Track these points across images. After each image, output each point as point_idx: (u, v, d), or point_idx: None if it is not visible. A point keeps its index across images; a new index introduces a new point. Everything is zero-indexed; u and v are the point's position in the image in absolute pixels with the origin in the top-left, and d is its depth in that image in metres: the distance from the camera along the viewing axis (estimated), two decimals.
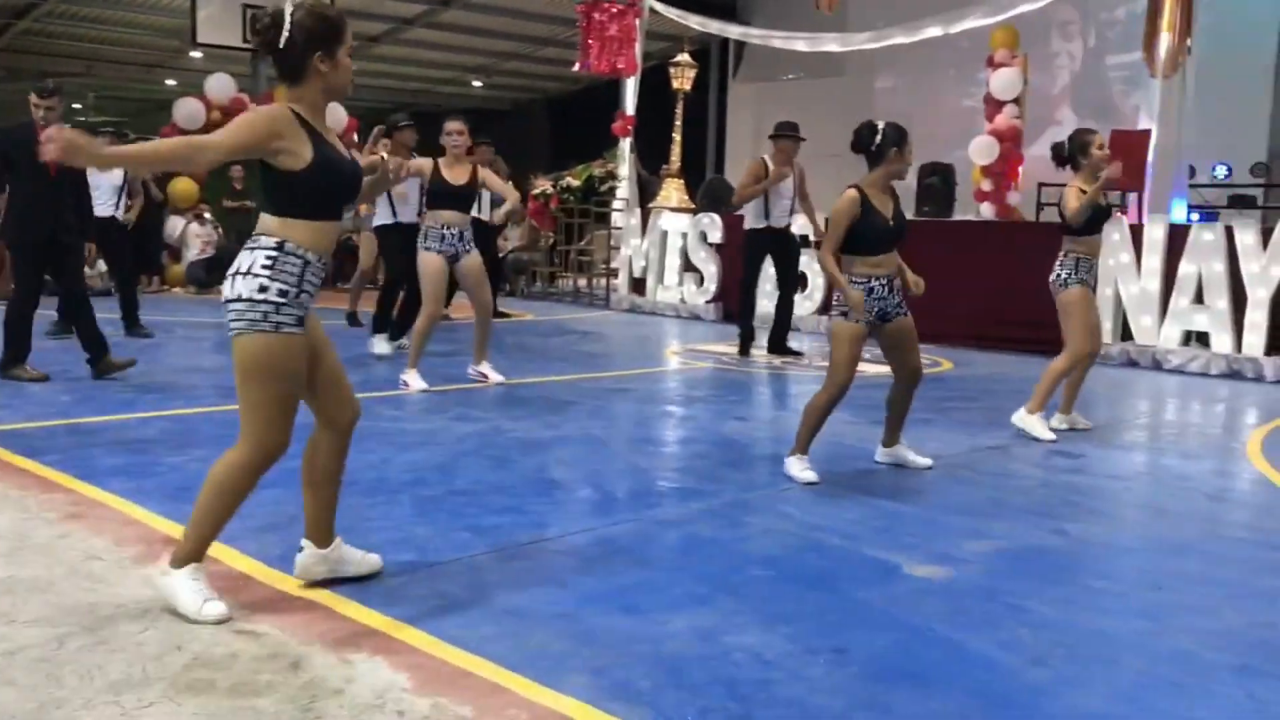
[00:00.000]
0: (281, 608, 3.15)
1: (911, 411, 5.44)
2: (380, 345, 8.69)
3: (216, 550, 3.51)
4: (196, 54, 18.31)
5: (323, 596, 3.24)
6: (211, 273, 13.57)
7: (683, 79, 14.44)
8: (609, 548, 3.88)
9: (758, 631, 3.12)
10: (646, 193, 14.70)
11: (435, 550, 3.74)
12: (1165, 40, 11.72)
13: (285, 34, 3.02)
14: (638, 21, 14.30)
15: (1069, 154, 6.20)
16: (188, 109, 14.70)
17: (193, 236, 14.41)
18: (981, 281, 10.02)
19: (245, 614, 3.07)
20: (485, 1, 18.26)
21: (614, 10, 13.88)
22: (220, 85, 14.99)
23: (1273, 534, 4.48)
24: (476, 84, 24.68)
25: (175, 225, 14.37)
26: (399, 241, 8.73)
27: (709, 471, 5.17)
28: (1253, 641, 3.21)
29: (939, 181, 12.71)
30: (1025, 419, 6.25)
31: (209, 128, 14.28)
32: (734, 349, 9.56)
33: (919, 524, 4.36)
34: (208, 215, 14.69)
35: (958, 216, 12.22)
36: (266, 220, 3.08)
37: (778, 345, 9.38)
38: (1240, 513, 4.83)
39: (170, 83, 22.70)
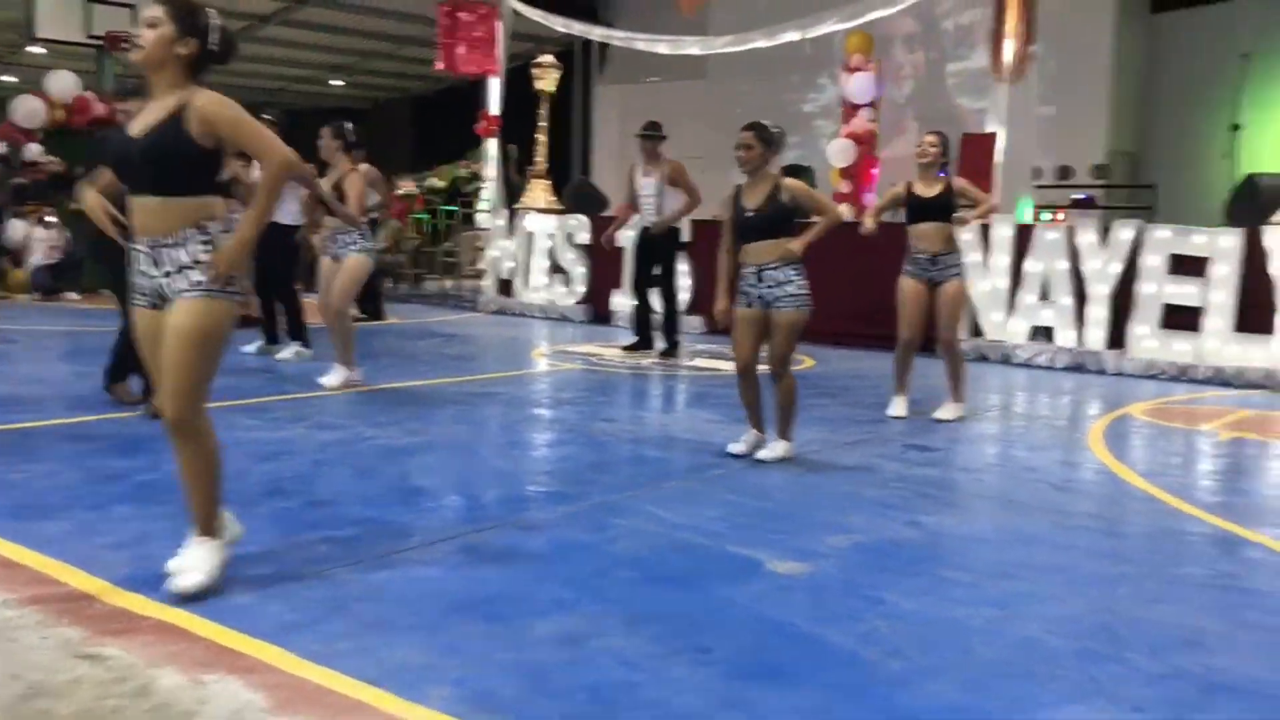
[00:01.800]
0: (129, 628, 3.03)
1: (776, 408, 5.58)
2: (286, 352, 8.48)
3: (58, 570, 3.37)
4: (37, 49, 17.48)
5: (173, 615, 3.12)
6: (60, 278, 12.96)
7: (546, 80, 14.42)
8: (473, 555, 3.85)
9: (622, 634, 3.13)
10: (518, 194, 14.64)
11: (292, 564, 3.64)
12: (1010, 45, 12.21)
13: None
14: (499, 22, 14.21)
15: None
16: (27, 107, 14.01)
17: (37, 240, 13.74)
18: (842, 280, 10.22)
19: (90, 636, 2.94)
20: None
21: (477, 11, 13.76)
22: (62, 82, 14.32)
23: (1113, 522, 4.70)
24: (336, 83, 24.19)
25: (16, 229, 13.68)
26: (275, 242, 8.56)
27: (576, 474, 5.17)
28: (1094, 626, 3.36)
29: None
30: (950, 410, 6.71)
31: (52, 128, 13.65)
32: (606, 350, 9.61)
33: (782, 520, 4.44)
34: (53, 218, 14.03)
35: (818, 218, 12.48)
36: None
37: (658, 344, 9.47)
38: (1083, 502, 5.05)
39: (8, 79, 21.62)
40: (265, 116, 8.59)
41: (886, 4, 13.28)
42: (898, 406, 6.84)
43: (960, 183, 6.73)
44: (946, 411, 6.72)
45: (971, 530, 4.47)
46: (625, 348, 9.54)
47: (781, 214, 5.33)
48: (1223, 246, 8.63)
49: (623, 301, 10.30)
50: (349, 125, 7.52)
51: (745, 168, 5.40)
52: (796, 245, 5.34)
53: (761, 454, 5.47)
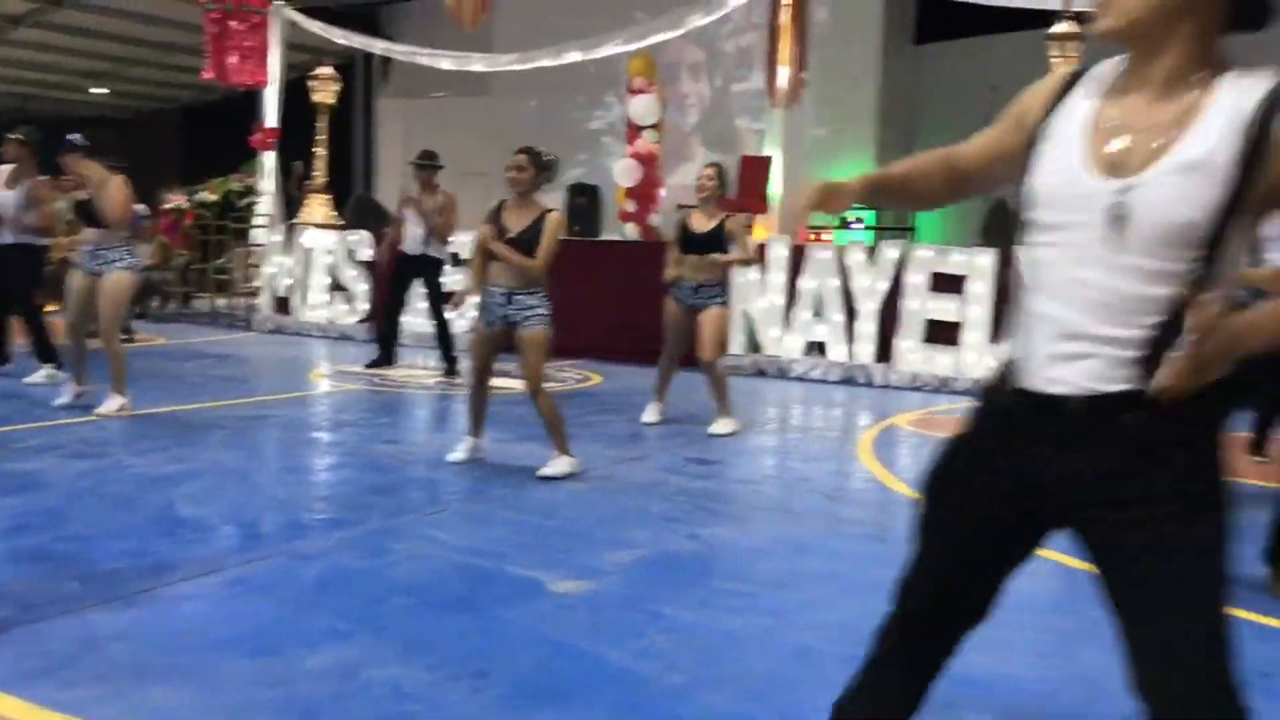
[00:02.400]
0: None
1: (544, 427, 5.63)
2: (37, 375, 7.89)
3: None
4: None
5: None
6: None
7: (324, 92, 14.04)
8: (242, 588, 3.67)
9: (398, 663, 3.04)
10: (295, 209, 14.17)
11: (38, 605, 3.38)
12: (784, 72, 12.70)
13: None
14: (273, 32, 13.75)
15: None
16: None
17: None
18: (628, 298, 10.37)
19: None
20: (103, 3, 16.89)
21: (248, 20, 13.26)
22: None
23: (881, 528, 4.91)
24: (99, 90, 22.81)
25: None
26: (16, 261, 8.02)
27: (354, 499, 5.02)
28: (864, 632, 3.47)
29: (586, 202, 13.12)
30: (723, 425, 6.83)
31: None
32: (389, 370, 9.42)
33: (564, 538, 4.43)
34: None
35: (605, 236, 12.63)
36: None
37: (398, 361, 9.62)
38: (854, 510, 5.26)
39: None
40: (14, 137, 8.00)
41: (668, 28, 13.63)
42: (651, 413, 7.16)
43: (734, 222, 6.85)
44: (720, 426, 6.88)
45: (749, 541, 4.58)
46: (367, 365, 9.50)
47: (536, 242, 5.38)
48: (979, 265, 9.19)
49: (406, 320, 10.11)
50: (72, 136, 6.97)
51: (516, 188, 5.46)
52: (536, 265, 5.38)
53: (542, 470, 5.46)
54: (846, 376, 9.61)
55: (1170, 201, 1.57)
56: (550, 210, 5.52)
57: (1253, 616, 3.74)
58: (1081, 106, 1.72)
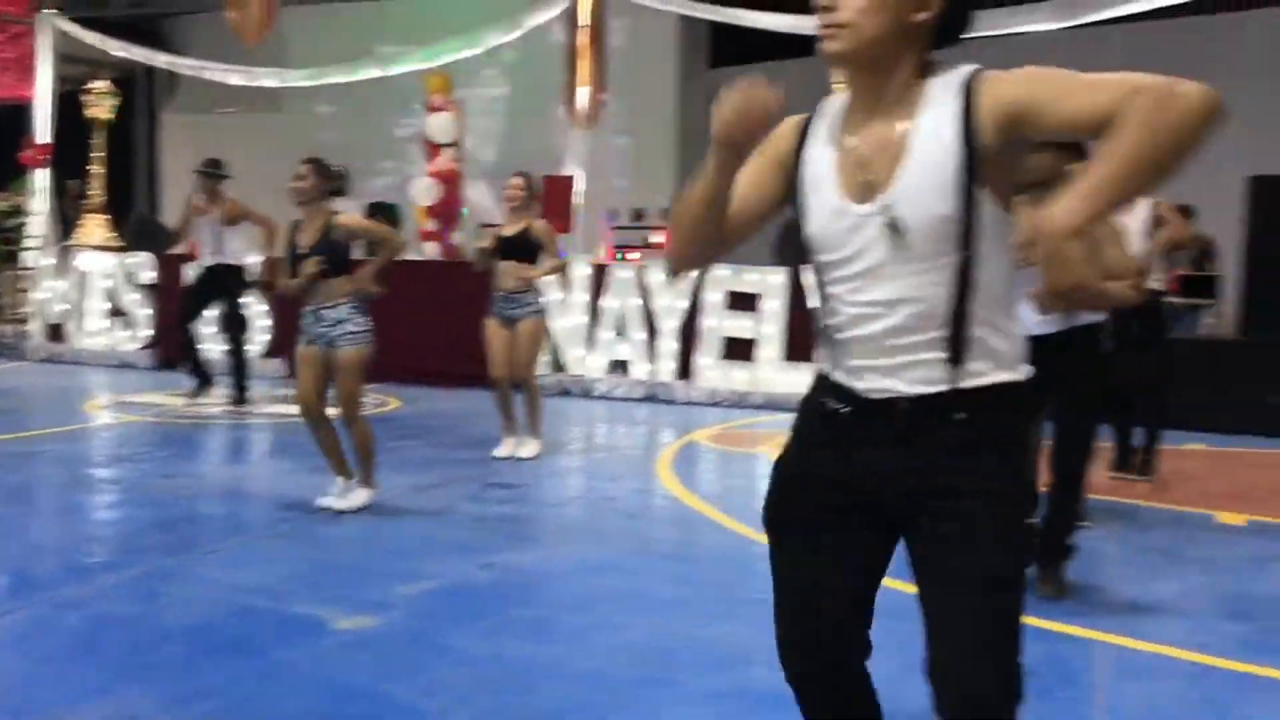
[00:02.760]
0: None
1: (355, 453, 5.42)
2: None
3: None
4: None
5: None
6: None
7: (100, 107, 13.30)
8: None
9: (166, 715, 2.86)
10: (70, 229, 13.34)
11: None
12: (584, 93, 12.78)
13: None
14: (42, 42, 12.96)
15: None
16: None
17: None
18: (430, 319, 10.20)
19: None
20: None
21: (8, 30, 12.45)
22: None
23: (679, 545, 4.95)
24: None
25: None
26: None
27: (129, 539, 4.73)
28: (655, 651, 3.50)
29: (385, 221, 12.81)
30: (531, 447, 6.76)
31: None
32: (173, 399, 8.95)
33: (352, 573, 4.29)
34: None
35: (405, 256, 12.37)
36: None
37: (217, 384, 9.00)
38: (653, 528, 5.29)
39: None
40: None
41: (466, 46, 13.52)
42: (505, 447, 6.82)
43: (541, 226, 6.83)
44: (527, 449, 6.82)
45: (546, 566, 4.55)
46: (189, 394, 8.93)
47: (334, 252, 5.17)
48: (772, 284, 9.45)
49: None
50: None
51: (299, 199, 5.22)
52: (361, 280, 5.20)
53: (339, 504, 5.26)
54: (649, 394, 9.71)
55: (924, 202, 1.70)
56: (337, 215, 5.28)
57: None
58: (824, 150, 1.82)
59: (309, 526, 5.00)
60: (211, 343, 9.48)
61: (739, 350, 9.54)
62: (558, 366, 10.06)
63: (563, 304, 9.95)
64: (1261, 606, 4.21)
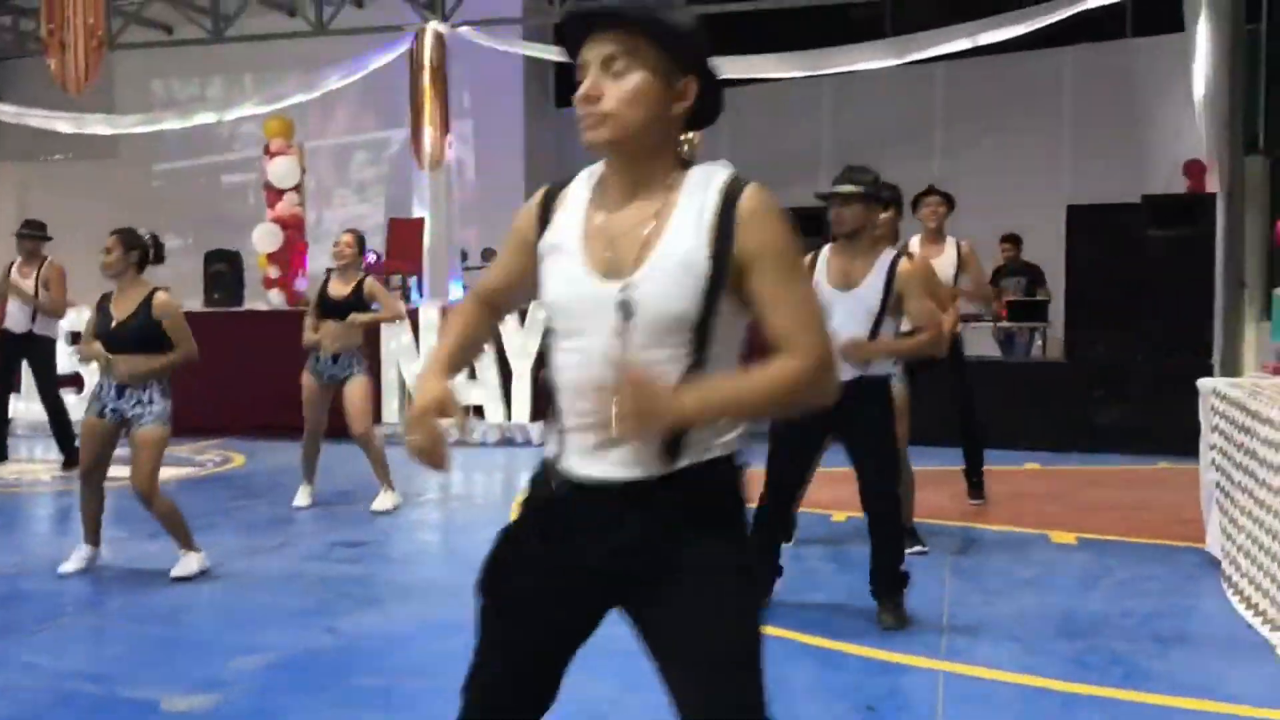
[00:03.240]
0: None
1: (195, 516, 5.29)
2: None
3: None
4: None
5: None
6: None
7: None
8: None
9: None
10: None
11: None
12: (429, 135, 12.70)
13: None
14: None
15: None
16: None
17: None
18: (275, 369, 9.90)
19: None
20: None
21: None
22: None
23: None
24: None
25: None
26: None
27: None
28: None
29: (226, 268, 12.45)
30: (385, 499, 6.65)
31: None
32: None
33: (187, 648, 4.12)
34: None
35: (248, 305, 12.03)
36: None
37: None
38: None
39: None
40: None
41: (305, 89, 13.30)
42: (302, 496, 6.80)
43: (372, 285, 6.71)
44: (381, 502, 6.68)
45: (392, 628, 4.44)
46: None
47: (146, 329, 4.95)
48: None
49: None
50: None
51: (107, 273, 5.02)
52: (157, 365, 4.99)
53: (174, 571, 5.06)
54: (505, 438, 9.64)
55: (663, 295, 1.73)
56: (158, 290, 5.09)
57: (860, 650, 4.03)
58: (573, 218, 1.85)
59: (141, 600, 4.79)
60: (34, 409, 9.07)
61: None
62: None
63: (412, 349, 9.80)
64: (1089, 625, 4.40)
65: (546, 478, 1.90)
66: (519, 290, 2.00)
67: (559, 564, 1.86)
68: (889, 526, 4.43)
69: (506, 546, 1.97)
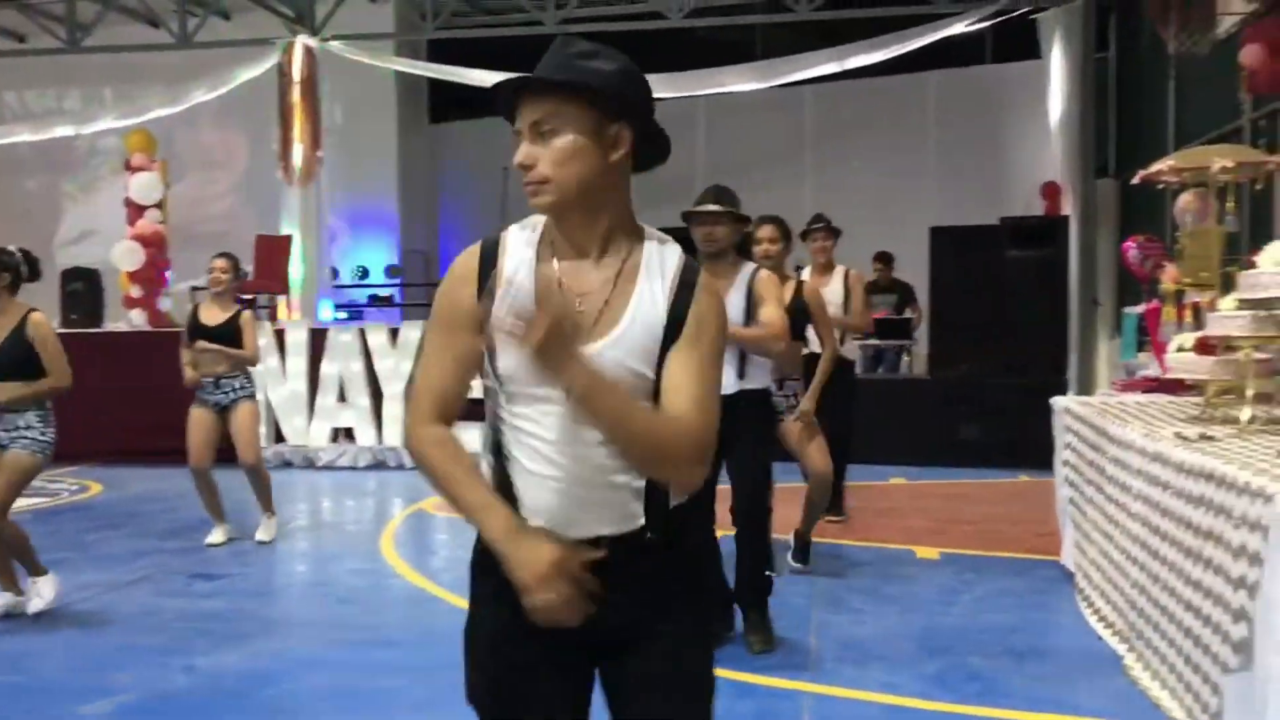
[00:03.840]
0: None
1: (47, 550, 5.10)
2: None
3: None
4: None
5: None
6: None
7: None
8: None
9: None
10: None
11: None
12: (298, 151, 12.43)
13: None
14: None
15: None
16: None
17: None
18: (137, 393, 9.59)
19: None
20: None
21: None
22: None
23: (400, 630, 4.77)
24: None
25: None
26: None
27: None
28: None
29: (84, 288, 11.98)
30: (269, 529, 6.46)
31: None
32: None
33: (37, 693, 3.93)
34: None
35: (108, 326, 11.59)
36: None
37: None
38: (374, 613, 5.09)
39: None
40: None
41: (169, 103, 12.91)
42: (216, 534, 6.42)
43: (247, 320, 6.49)
44: (267, 531, 6.48)
45: (253, 664, 4.30)
46: None
47: (18, 353, 4.70)
48: None
49: None
50: None
51: None
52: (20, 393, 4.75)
53: (30, 606, 4.83)
54: (377, 461, 9.47)
55: (628, 358, 1.75)
56: (33, 311, 4.84)
57: (727, 674, 4.06)
58: (523, 282, 1.78)
59: None
60: None
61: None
62: (278, 437, 9.66)
63: (279, 371, 9.57)
64: (950, 642, 4.51)
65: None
66: (471, 378, 1.84)
67: (547, 638, 1.76)
68: (758, 543, 4.47)
69: (487, 631, 1.87)
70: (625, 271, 1.78)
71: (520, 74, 1.75)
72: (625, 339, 1.75)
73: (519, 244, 1.82)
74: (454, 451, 1.80)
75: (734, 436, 4.16)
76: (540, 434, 1.76)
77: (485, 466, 1.84)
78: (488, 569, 1.78)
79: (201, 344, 6.29)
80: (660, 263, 1.80)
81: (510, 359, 1.74)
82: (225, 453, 6.37)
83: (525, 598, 1.67)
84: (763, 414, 4.56)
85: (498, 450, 1.82)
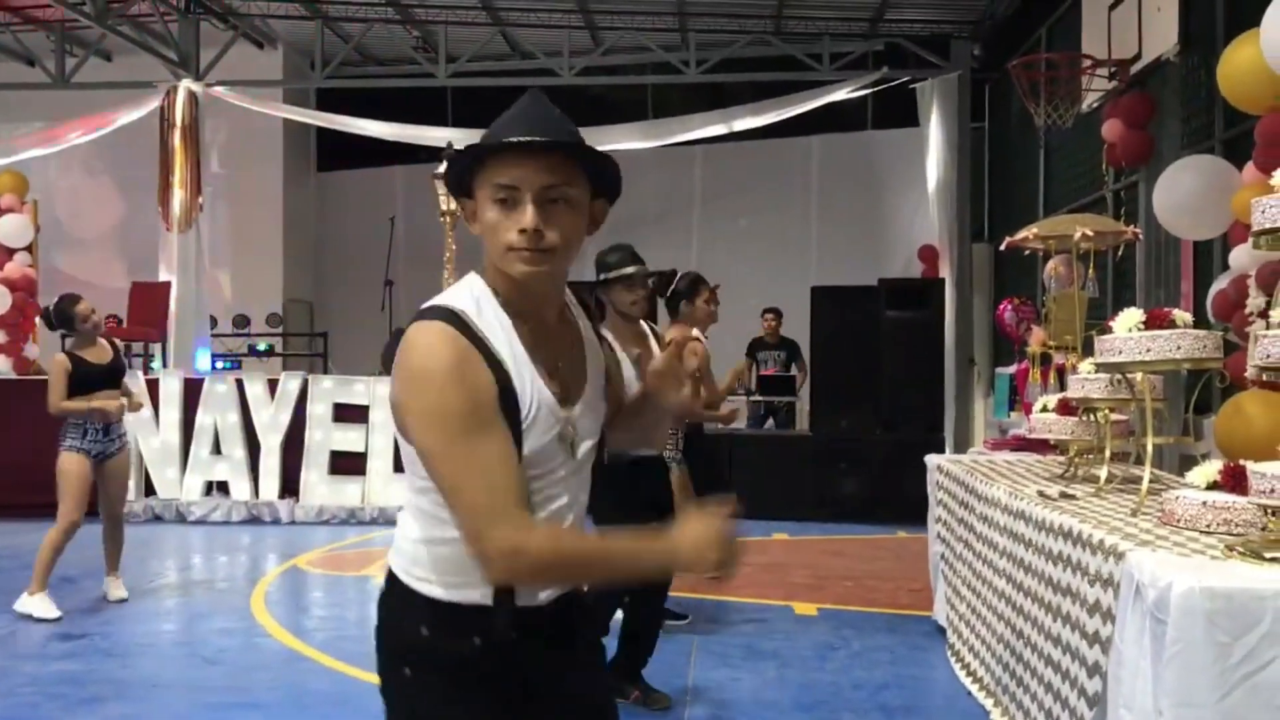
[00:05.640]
0: None
1: None
2: None
3: None
4: None
5: None
6: None
7: None
8: None
9: None
10: None
11: None
12: (178, 196, 12.16)
13: None
14: None
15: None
16: None
17: None
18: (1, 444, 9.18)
19: None
20: None
21: None
22: None
23: (253, 693, 4.57)
24: None
25: None
26: None
27: None
28: None
29: None
30: (26, 602, 5.79)
31: None
32: None
33: None
34: None
35: None
36: None
37: None
38: (230, 675, 4.86)
39: None
40: None
41: (43, 143, 12.53)
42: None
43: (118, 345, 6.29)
44: (121, 588, 6.22)
45: None
46: None
47: None
48: (380, 394, 9.27)
49: None
50: None
51: None
52: None
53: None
54: (252, 515, 9.19)
55: (594, 422, 1.82)
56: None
57: None
58: (518, 356, 1.71)
59: None
60: None
61: (348, 464, 9.28)
62: (149, 490, 9.33)
63: (153, 421, 9.26)
64: (825, 697, 4.55)
65: (466, 629, 1.74)
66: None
67: (521, 697, 1.80)
68: (652, 634, 4.42)
69: (467, 703, 1.77)
70: (576, 335, 1.84)
71: (544, 137, 1.65)
72: (593, 401, 1.81)
73: (491, 312, 1.71)
74: (568, 536, 1.75)
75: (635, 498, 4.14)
76: (540, 506, 1.74)
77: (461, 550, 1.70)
78: (443, 633, 1.75)
79: (106, 393, 6.00)
80: (580, 321, 1.87)
81: (536, 443, 1.71)
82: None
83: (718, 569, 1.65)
84: (660, 474, 4.56)
85: None
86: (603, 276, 4.27)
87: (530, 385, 1.69)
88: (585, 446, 1.80)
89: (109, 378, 6.07)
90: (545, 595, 1.77)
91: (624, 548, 1.70)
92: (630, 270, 4.25)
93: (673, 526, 1.66)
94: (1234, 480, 3.04)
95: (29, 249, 11.77)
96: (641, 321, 4.52)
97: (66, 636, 5.46)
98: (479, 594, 1.71)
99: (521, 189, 1.66)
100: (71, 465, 5.89)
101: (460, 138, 9.40)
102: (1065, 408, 4.31)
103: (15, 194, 11.80)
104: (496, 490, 1.61)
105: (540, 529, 1.68)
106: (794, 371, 11.12)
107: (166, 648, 5.42)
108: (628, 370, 4.24)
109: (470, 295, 1.71)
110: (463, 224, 1.83)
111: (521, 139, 1.64)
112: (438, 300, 1.73)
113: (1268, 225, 2.79)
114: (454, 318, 1.66)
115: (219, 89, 12.31)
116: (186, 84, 12.15)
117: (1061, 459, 4.65)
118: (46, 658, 5.10)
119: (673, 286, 5.47)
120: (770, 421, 11.09)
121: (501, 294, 1.71)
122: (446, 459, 1.62)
